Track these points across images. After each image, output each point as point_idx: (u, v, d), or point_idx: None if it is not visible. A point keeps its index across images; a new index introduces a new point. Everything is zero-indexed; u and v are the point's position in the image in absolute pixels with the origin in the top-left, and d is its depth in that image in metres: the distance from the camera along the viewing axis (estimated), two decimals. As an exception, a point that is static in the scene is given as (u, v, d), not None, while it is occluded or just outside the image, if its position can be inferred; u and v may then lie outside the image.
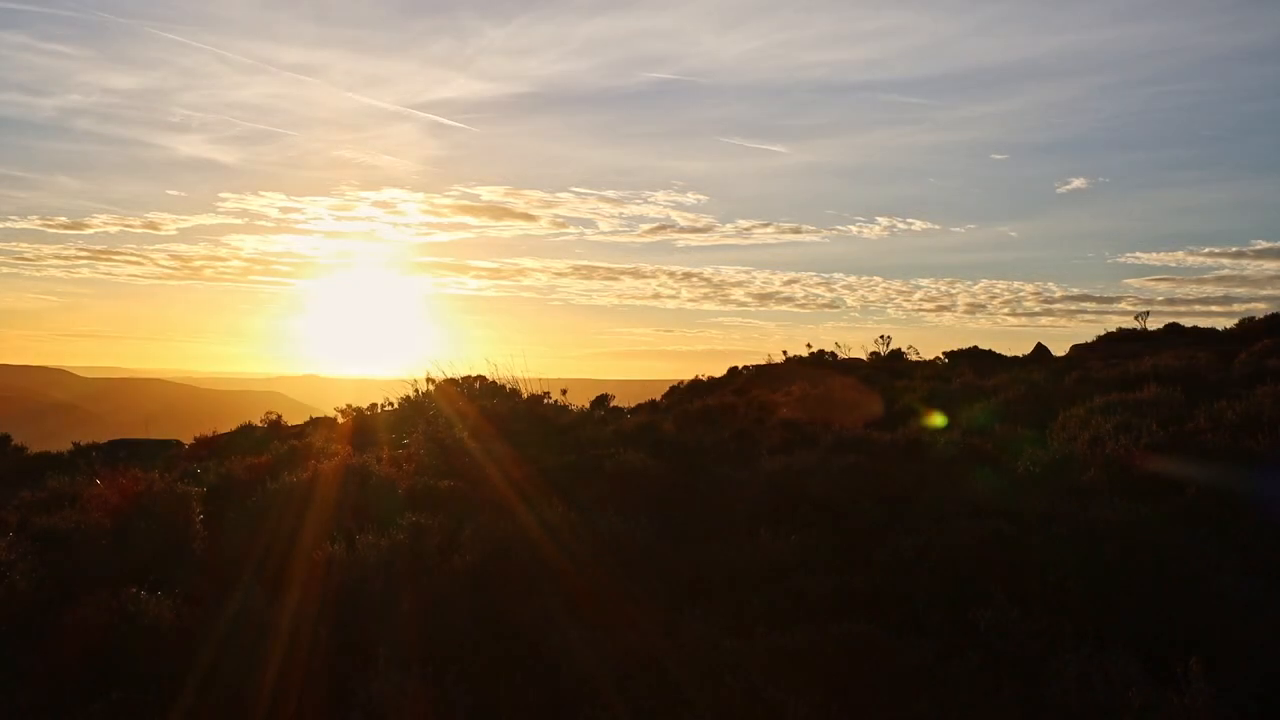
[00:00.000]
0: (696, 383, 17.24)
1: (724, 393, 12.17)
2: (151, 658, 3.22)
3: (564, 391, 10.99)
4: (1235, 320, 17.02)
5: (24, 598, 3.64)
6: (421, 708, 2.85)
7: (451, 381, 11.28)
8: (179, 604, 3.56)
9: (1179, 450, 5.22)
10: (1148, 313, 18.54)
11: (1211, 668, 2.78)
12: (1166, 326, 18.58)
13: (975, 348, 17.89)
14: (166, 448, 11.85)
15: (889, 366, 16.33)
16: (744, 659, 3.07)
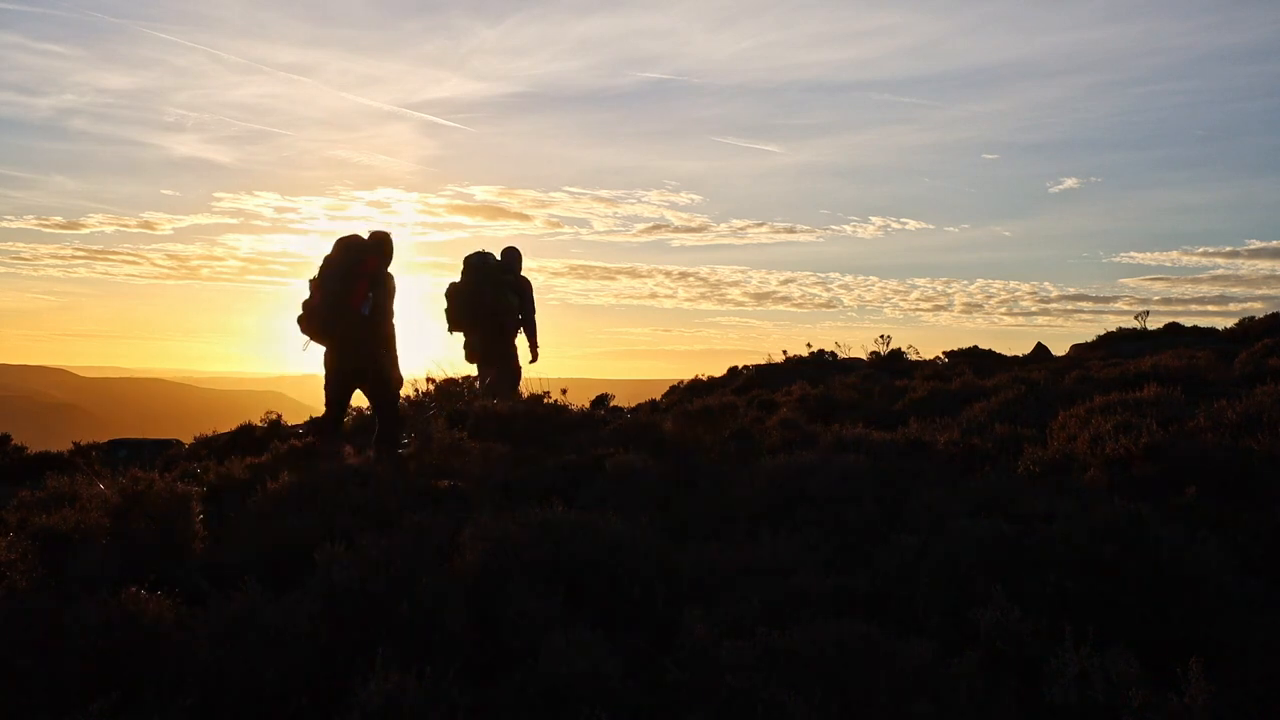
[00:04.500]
0: (696, 382, 17.28)
1: (724, 392, 12.19)
2: (151, 658, 3.22)
3: (564, 391, 11.05)
4: (1232, 319, 17.08)
5: (24, 597, 3.65)
6: (421, 708, 2.85)
7: (451, 381, 11.30)
8: (179, 604, 3.57)
9: (1179, 450, 5.23)
10: (1147, 312, 18.60)
11: (1211, 668, 2.79)
12: (1166, 326, 18.64)
13: (975, 347, 17.94)
14: (166, 447, 11.86)
15: (889, 366, 16.36)
16: (744, 659, 3.07)
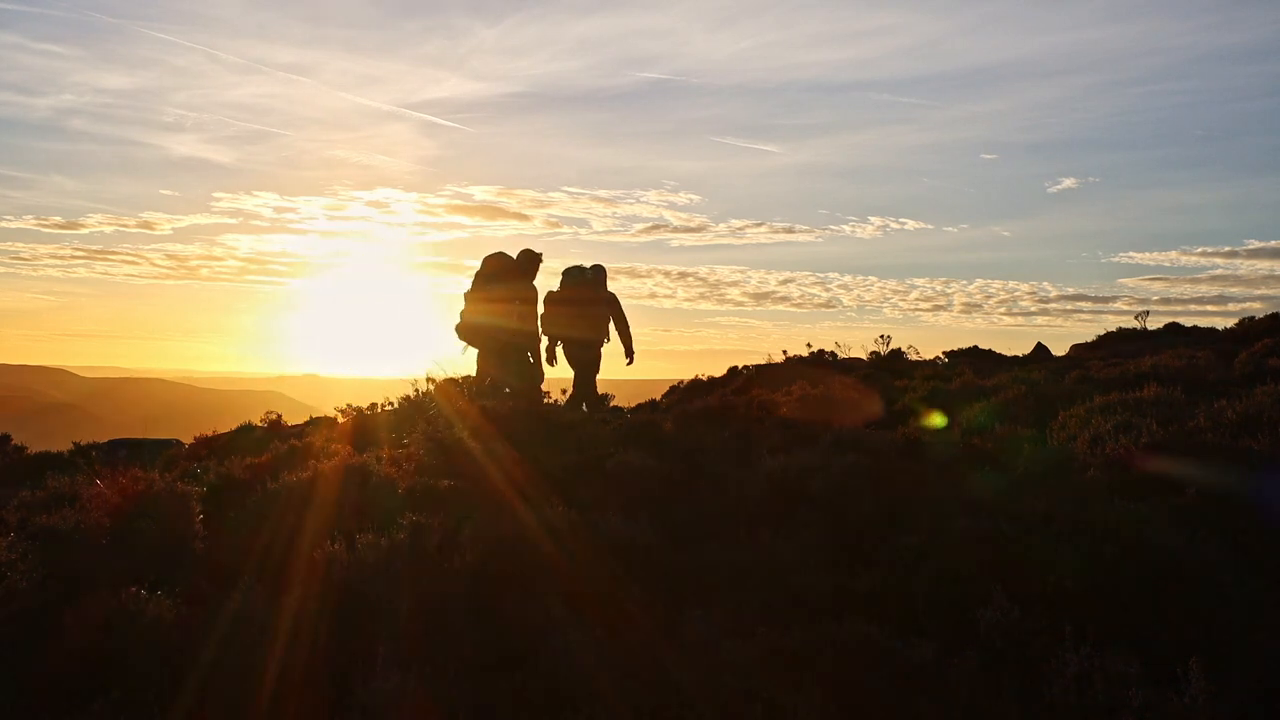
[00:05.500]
0: (696, 382, 17.27)
1: (724, 392, 12.18)
2: (151, 658, 3.22)
3: (564, 391, 11.06)
4: (1231, 319, 17.12)
5: (24, 597, 3.65)
6: (421, 708, 2.86)
7: (451, 381, 11.30)
8: (179, 604, 3.57)
9: (1179, 450, 5.23)
10: (1147, 312, 18.62)
11: (1212, 668, 2.79)
12: (1166, 326, 18.66)
13: (975, 347, 17.95)
14: (166, 447, 11.86)
15: (889, 366, 16.35)
16: (744, 659, 3.07)
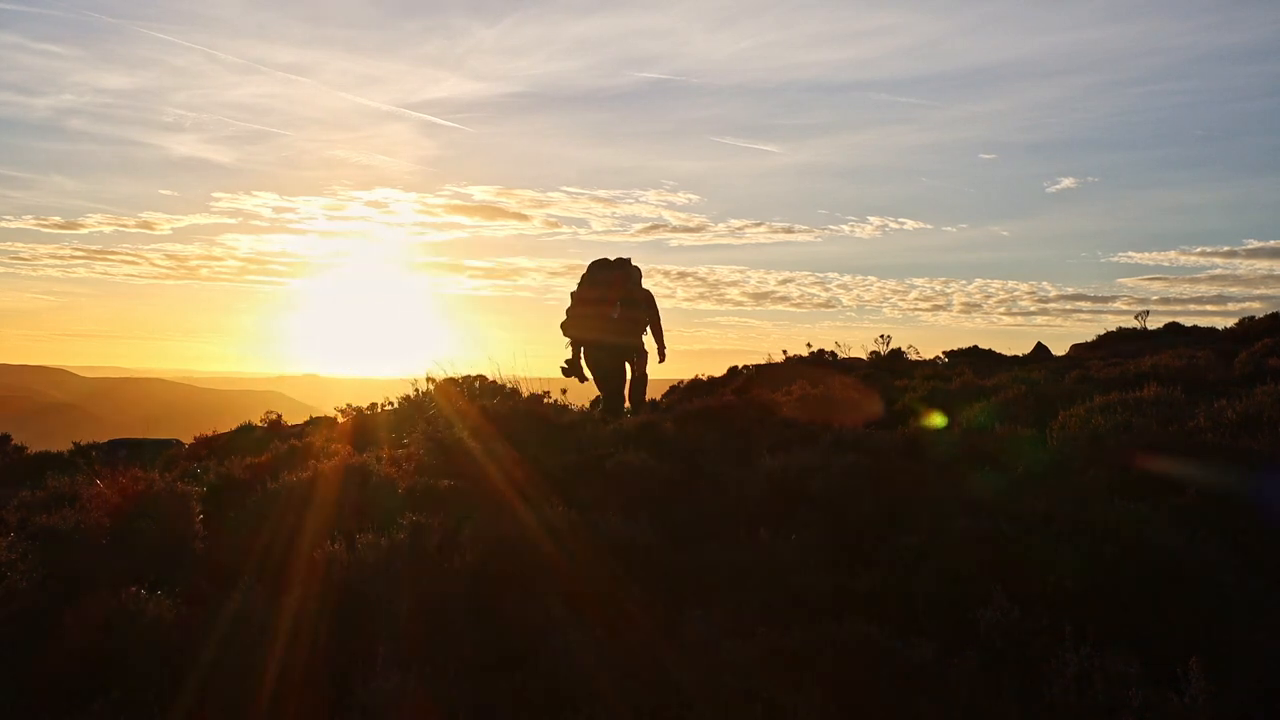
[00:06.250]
0: (696, 382, 17.28)
1: (724, 392, 12.18)
2: (151, 658, 3.22)
3: (564, 391, 11.04)
4: (1230, 319, 17.16)
5: (24, 597, 3.65)
6: (421, 708, 2.86)
7: (451, 381, 11.31)
8: (179, 604, 3.57)
9: (1179, 450, 5.23)
10: (1147, 312, 18.63)
11: (1212, 668, 2.79)
12: (1166, 326, 18.66)
13: (975, 347, 17.96)
14: (166, 447, 11.87)
15: (889, 366, 16.36)
16: (744, 659, 3.07)
